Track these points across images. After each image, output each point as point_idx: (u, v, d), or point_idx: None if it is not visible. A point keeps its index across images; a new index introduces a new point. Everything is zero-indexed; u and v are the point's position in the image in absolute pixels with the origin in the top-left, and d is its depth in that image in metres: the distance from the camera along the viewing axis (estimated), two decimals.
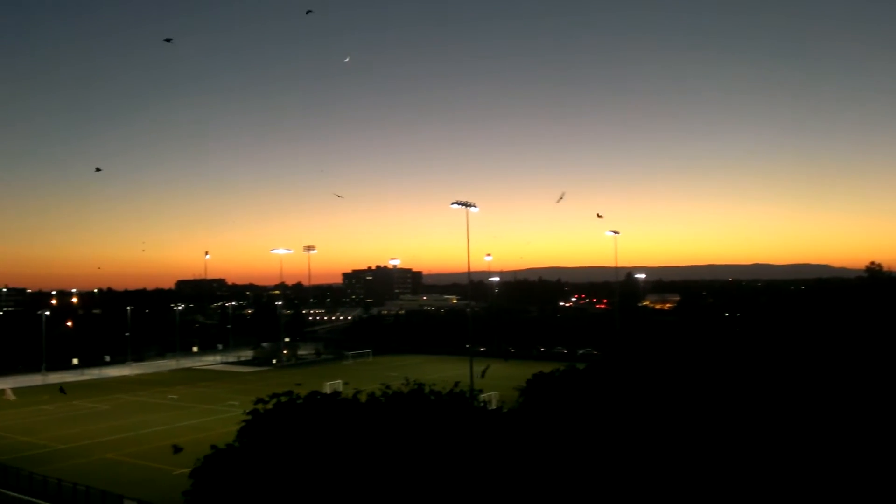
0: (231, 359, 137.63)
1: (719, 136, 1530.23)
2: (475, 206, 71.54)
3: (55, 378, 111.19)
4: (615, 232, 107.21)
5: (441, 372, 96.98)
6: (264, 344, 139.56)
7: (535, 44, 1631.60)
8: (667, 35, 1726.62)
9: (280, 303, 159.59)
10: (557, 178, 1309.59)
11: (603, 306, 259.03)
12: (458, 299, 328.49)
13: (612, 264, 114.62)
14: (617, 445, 23.61)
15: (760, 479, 22.13)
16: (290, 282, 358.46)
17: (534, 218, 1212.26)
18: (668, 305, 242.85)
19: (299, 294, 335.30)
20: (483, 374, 38.55)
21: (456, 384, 28.37)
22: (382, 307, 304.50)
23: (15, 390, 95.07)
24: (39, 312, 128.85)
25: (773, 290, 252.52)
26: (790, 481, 21.98)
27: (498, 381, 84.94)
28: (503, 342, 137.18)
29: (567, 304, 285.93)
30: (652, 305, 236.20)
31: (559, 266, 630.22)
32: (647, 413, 26.08)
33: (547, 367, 36.74)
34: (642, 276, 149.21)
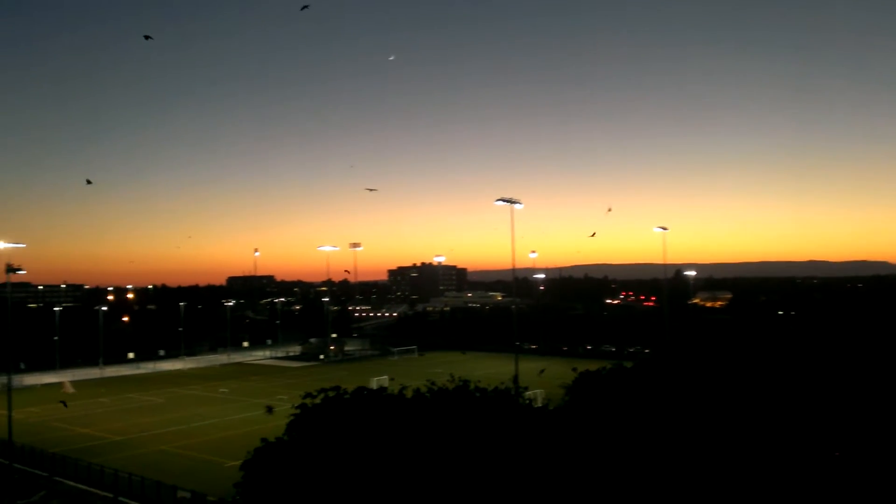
0: (280, 354, 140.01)
1: (775, 131, 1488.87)
2: (520, 203, 71.09)
3: (112, 371, 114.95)
4: (664, 228, 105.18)
5: (486, 369, 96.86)
6: (312, 340, 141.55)
7: (580, 39, 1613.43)
8: (716, 29, 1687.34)
9: (327, 299, 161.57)
10: (605, 174, 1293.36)
11: (651, 304, 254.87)
12: (503, 296, 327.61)
13: (660, 261, 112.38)
14: (666, 448, 23.14)
15: (817, 486, 21.44)
16: (336, 278, 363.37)
17: (580, 214, 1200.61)
18: (719, 303, 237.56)
19: (346, 291, 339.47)
20: (541, 373, 38.23)
21: (515, 378, 28.26)
22: (427, 304, 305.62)
23: (73, 383, 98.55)
24: (97, 308, 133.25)
25: (830, 288, 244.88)
26: (851, 488, 21.24)
27: (544, 378, 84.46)
28: (549, 340, 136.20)
29: (614, 302, 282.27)
30: (702, 303, 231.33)
31: (606, 263, 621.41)
32: (698, 416, 25.46)
33: (593, 366, 36.29)
34: (692, 273, 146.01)
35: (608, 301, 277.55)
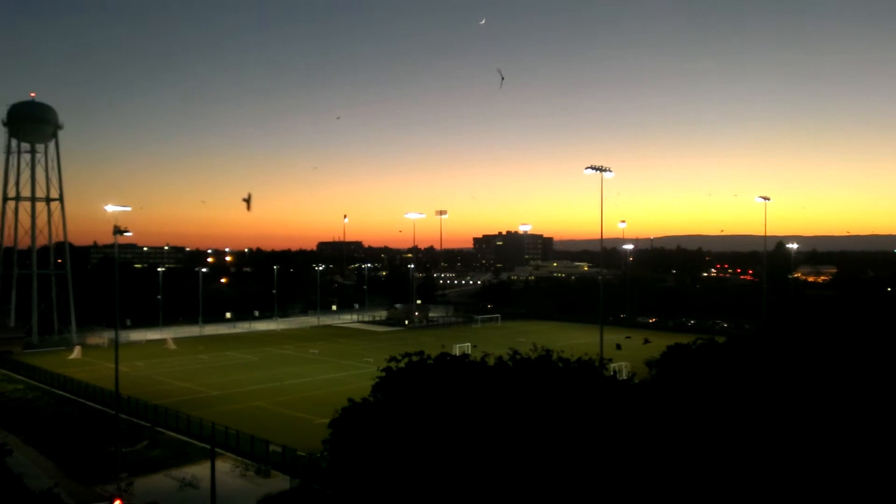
0: (366, 318, 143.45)
1: (890, 87, 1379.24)
2: (610, 171, 68.98)
3: (211, 330, 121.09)
4: (766, 198, 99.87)
5: (569, 339, 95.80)
6: (397, 305, 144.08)
7: (677, 3, 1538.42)
8: None
9: (412, 266, 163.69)
10: (698, 140, 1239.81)
11: (748, 277, 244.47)
12: (589, 266, 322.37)
13: (760, 233, 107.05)
14: (755, 430, 21.96)
15: None
16: (422, 245, 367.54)
17: (673, 181, 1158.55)
18: (822, 278, 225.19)
19: (431, 258, 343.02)
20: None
21: (600, 350, 27.61)
22: (512, 272, 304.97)
23: (175, 340, 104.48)
24: (197, 269, 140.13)
25: None
26: None
27: (629, 351, 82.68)
28: (636, 312, 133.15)
29: (708, 275, 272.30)
30: (804, 278, 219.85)
31: (700, 234, 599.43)
32: (795, 400, 23.97)
33: (683, 340, 34.97)
34: (794, 245, 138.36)
35: (702, 274, 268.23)
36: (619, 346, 37.77)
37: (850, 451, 20.75)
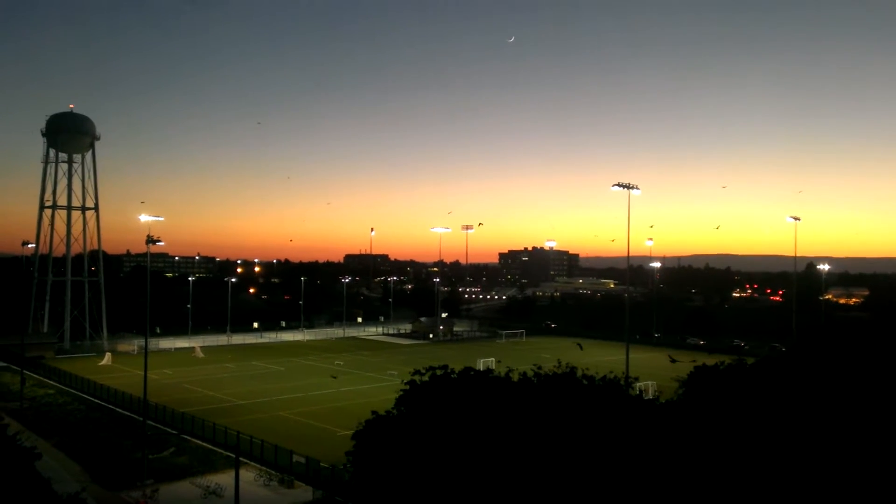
0: (391, 331, 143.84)
1: None
2: (637, 189, 68.65)
3: (238, 339, 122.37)
4: (796, 218, 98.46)
5: (595, 357, 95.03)
6: (422, 319, 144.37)
7: (701, 21, 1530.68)
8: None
9: (438, 280, 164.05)
10: (729, 157, 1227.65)
11: (778, 298, 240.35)
12: (615, 284, 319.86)
13: (790, 253, 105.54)
14: (782, 455, 21.59)
15: None
16: (448, 260, 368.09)
17: (702, 200, 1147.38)
18: (854, 300, 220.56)
19: (457, 272, 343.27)
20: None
21: (626, 368, 27.43)
22: (537, 288, 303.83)
23: (203, 349, 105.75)
24: (226, 279, 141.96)
25: None
26: None
27: (655, 370, 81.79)
28: (663, 330, 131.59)
29: (738, 295, 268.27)
30: (835, 299, 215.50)
31: (729, 253, 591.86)
32: (825, 426, 23.48)
33: (710, 360, 34.53)
34: (826, 266, 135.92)
35: (732, 294, 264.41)
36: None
37: (877, 478, 20.32)
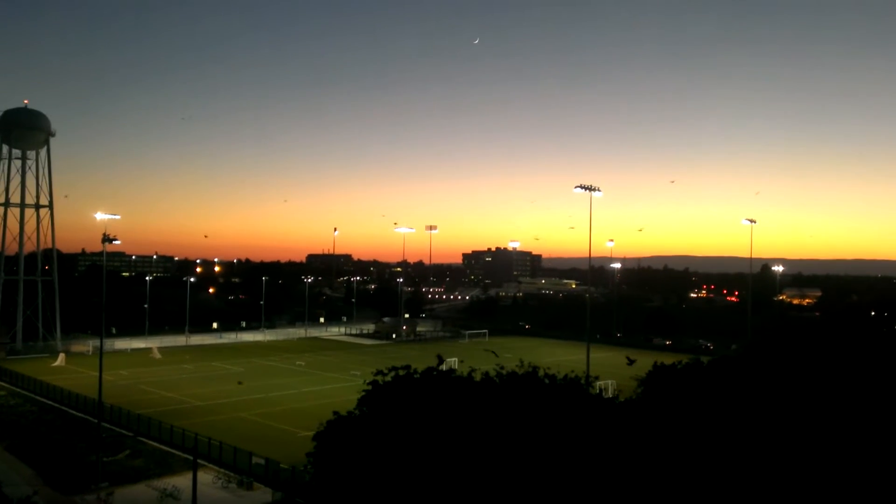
0: (354, 331, 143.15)
1: (880, 114, 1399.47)
2: (599, 191, 69.58)
3: (197, 340, 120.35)
4: (752, 221, 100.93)
5: (556, 356, 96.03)
6: (385, 319, 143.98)
7: (660, 20, 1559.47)
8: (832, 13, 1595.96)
9: (401, 280, 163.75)
10: (688, 160, 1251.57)
11: (734, 299, 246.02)
12: (577, 284, 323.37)
13: (746, 255, 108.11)
14: (739, 452, 22.16)
15: None
16: (412, 260, 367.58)
17: (660, 202, 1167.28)
18: (807, 301, 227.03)
19: (420, 272, 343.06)
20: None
21: (587, 367, 27.80)
22: (500, 289, 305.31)
23: (160, 349, 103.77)
24: (185, 279, 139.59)
25: None
26: None
27: (615, 369, 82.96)
28: (623, 330, 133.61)
29: (695, 295, 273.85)
30: (789, 300, 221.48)
31: (687, 255, 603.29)
32: (779, 422, 24.21)
33: (668, 359, 35.21)
34: (780, 268, 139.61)
35: (689, 294, 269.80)
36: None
37: (827, 471, 21.00)
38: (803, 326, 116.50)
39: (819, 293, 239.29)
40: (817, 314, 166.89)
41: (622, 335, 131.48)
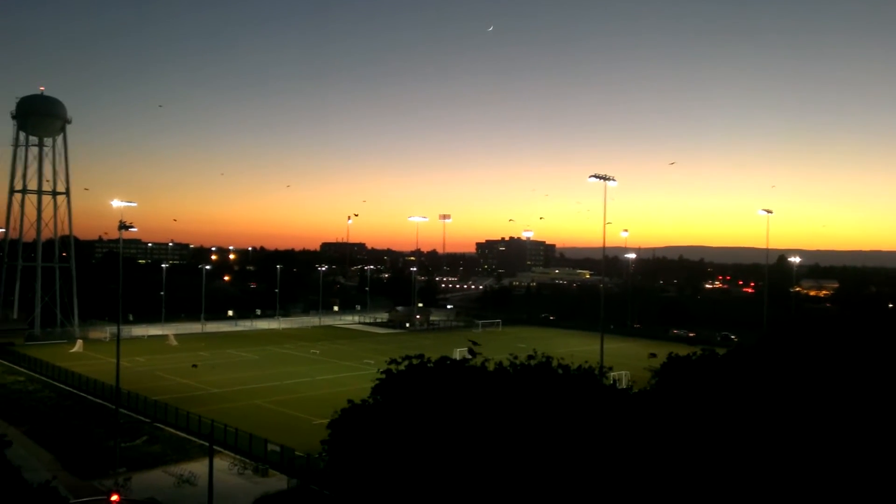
0: (368, 320, 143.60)
1: (893, 103, 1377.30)
2: (614, 180, 69.06)
3: (212, 327, 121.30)
4: (768, 211, 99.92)
5: (570, 346, 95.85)
6: (399, 308, 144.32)
7: (668, 10, 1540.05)
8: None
9: (415, 269, 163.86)
10: (703, 150, 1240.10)
11: (749, 290, 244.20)
12: (591, 274, 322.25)
13: (762, 245, 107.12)
14: (754, 443, 22.02)
15: None
16: (425, 249, 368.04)
17: (677, 191, 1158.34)
18: (823, 292, 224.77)
19: (434, 261, 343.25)
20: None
21: (600, 358, 27.69)
22: (514, 278, 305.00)
23: (176, 336, 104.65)
24: (200, 267, 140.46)
25: None
26: None
27: (629, 360, 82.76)
28: (637, 321, 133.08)
29: (710, 286, 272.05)
30: (806, 292, 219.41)
31: (703, 245, 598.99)
32: (794, 415, 24.00)
33: (683, 350, 35.03)
34: (797, 259, 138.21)
35: (704, 285, 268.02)
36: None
37: (844, 463, 20.84)
38: (820, 318, 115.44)
39: (836, 284, 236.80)
40: (833, 306, 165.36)
41: (639, 326, 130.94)
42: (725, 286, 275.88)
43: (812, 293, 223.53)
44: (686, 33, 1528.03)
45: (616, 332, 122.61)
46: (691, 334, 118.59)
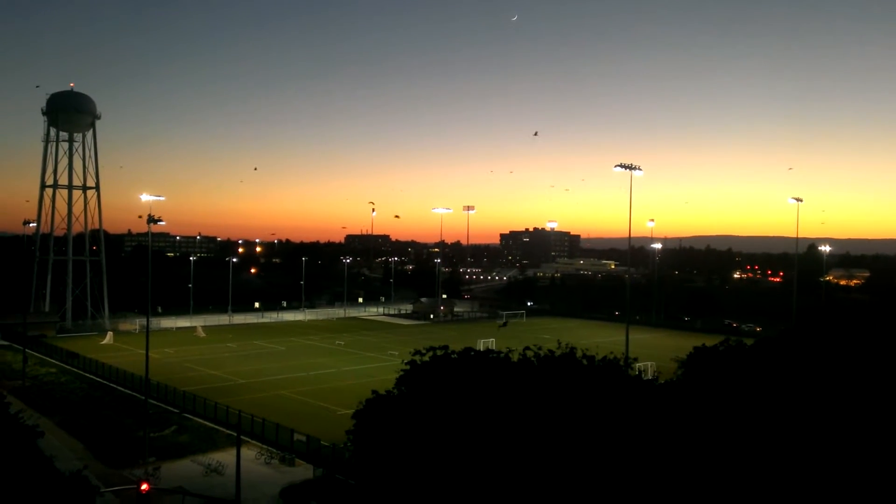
0: (392, 311, 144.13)
1: None
2: (640, 170, 68.35)
3: (239, 319, 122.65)
4: (798, 199, 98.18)
5: (594, 337, 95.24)
6: (423, 299, 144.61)
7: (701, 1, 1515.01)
8: None
9: (439, 261, 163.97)
10: (731, 138, 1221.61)
11: (778, 280, 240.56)
12: (616, 265, 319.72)
13: (792, 234, 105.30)
14: (778, 433, 21.66)
15: None
16: (449, 240, 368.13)
17: (705, 180, 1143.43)
18: (854, 282, 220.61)
19: (458, 253, 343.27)
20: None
21: (626, 348, 27.45)
22: (538, 269, 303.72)
23: (204, 328, 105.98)
24: (227, 259, 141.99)
25: None
26: None
27: (655, 350, 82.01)
28: (663, 311, 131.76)
29: (738, 276, 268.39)
30: (836, 281, 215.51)
31: (731, 234, 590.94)
32: (825, 407, 23.54)
33: (710, 341, 34.58)
34: (827, 248, 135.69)
35: (732, 275, 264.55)
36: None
37: (873, 457, 20.41)
38: (850, 308, 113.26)
39: (867, 274, 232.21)
40: (864, 295, 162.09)
41: (662, 316, 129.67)
42: (754, 276, 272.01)
43: (843, 282, 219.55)
44: (711, 21, 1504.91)
45: (642, 322, 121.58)
46: (734, 325, 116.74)
